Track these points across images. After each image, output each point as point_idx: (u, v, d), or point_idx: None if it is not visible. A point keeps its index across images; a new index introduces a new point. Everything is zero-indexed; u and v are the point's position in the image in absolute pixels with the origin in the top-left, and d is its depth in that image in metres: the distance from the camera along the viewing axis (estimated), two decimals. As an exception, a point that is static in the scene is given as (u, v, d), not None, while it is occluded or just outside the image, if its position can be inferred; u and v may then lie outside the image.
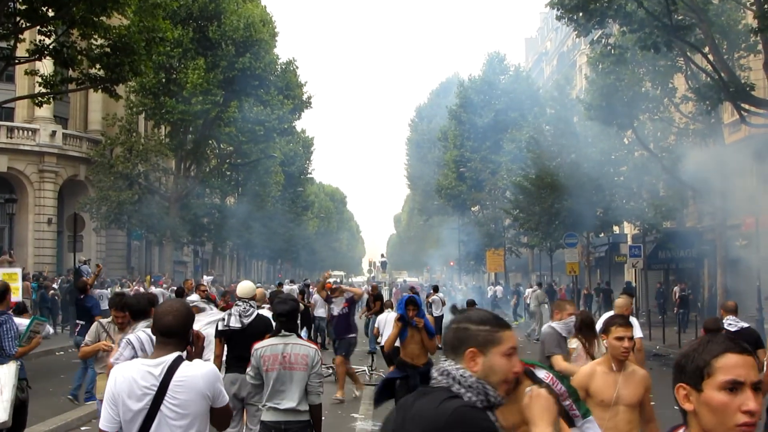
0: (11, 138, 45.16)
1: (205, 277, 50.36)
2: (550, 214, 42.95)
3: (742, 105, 27.09)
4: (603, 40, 27.68)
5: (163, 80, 43.40)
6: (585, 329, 9.40)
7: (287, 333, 7.87)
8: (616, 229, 50.56)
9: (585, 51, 43.76)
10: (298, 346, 7.79)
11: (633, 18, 24.93)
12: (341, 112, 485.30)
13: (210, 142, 49.96)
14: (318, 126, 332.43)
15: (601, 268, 56.19)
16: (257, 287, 12.14)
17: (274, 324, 8.84)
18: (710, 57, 26.20)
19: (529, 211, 46.19)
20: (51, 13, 25.58)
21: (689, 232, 42.44)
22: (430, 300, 31.02)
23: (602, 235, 49.63)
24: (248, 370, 7.99)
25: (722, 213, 34.69)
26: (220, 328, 10.32)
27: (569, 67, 68.64)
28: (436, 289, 33.98)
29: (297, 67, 52.75)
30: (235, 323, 10.16)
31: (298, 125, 74.32)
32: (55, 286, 34.80)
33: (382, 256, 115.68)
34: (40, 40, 26.56)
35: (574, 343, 9.48)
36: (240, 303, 10.42)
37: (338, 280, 38.27)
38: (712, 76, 26.61)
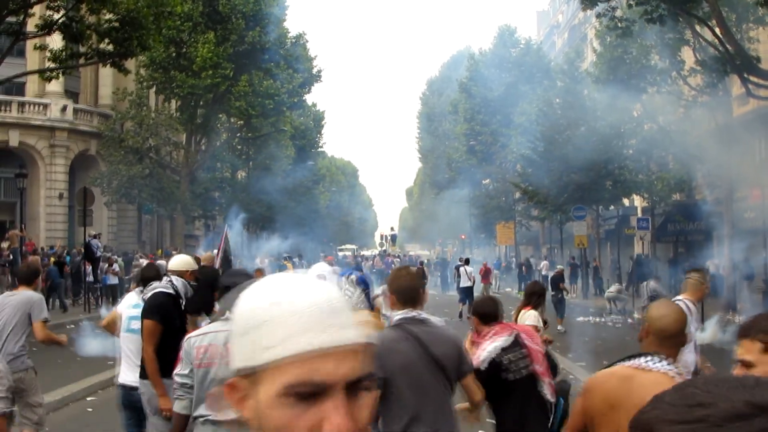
0: (22, 113, 45.39)
1: (215, 251, 50.65)
2: (559, 186, 43.00)
3: (749, 77, 27.12)
4: (609, 13, 27.66)
5: (173, 54, 43.52)
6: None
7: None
8: (625, 201, 50.61)
9: (595, 24, 43.75)
10: None
11: (639, -10, 24.95)
12: (352, 86, 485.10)
13: (220, 116, 50.11)
14: (329, 100, 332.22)
15: (610, 241, 56.29)
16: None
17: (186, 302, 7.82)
18: (717, 30, 26.21)
19: (539, 184, 46.28)
20: (60, -12, 25.73)
21: (698, 204, 42.49)
22: (461, 271, 33.64)
23: (612, 207, 49.69)
24: (177, 367, 5.77)
25: (729, 185, 34.74)
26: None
27: (580, 40, 68.42)
28: (467, 261, 35.60)
29: (307, 41, 52.89)
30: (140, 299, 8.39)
31: (309, 99, 74.29)
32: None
33: (392, 229, 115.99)
34: (49, 15, 26.73)
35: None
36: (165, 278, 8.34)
37: (349, 254, 38.59)
38: (719, 49, 26.63)
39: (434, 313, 8.08)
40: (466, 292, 32.47)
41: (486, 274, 41.52)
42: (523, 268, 52.03)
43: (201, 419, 5.64)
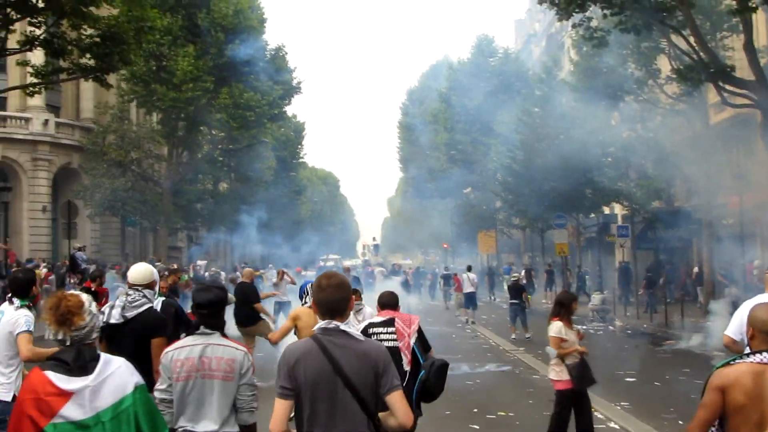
0: (4, 127, 45.52)
1: (198, 261, 50.83)
2: (539, 195, 43.33)
3: (724, 85, 27.51)
4: (585, 23, 27.98)
5: (154, 68, 43.70)
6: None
7: (208, 331, 5.96)
8: (606, 209, 50.99)
9: (572, 33, 44.13)
10: (222, 348, 5.87)
11: (613, 1, 25.26)
12: (332, 97, 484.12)
13: (202, 128, 50.21)
14: (309, 111, 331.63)
15: (591, 249, 56.69)
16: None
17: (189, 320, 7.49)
18: (691, 39, 26.59)
19: (519, 193, 46.63)
20: (41, 4, 25.84)
21: (677, 211, 42.83)
22: (461, 278, 35.73)
23: (592, 215, 50.06)
24: (158, 383, 5.93)
25: (708, 192, 35.09)
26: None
27: (557, 49, 68.89)
28: (469, 268, 37.40)
29: (286, 53, 53.09)
30: (115, 317, 7.78)
31: (289, 110, 74.41)
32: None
33: (374, 239, 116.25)
34: (30, 31, 26.87)
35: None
36: (130, 292, 7.97)
37: (333, 264, 38.75)
38: (693, 58, 27.00)
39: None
40: (469, 298, 34.44)
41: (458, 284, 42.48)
42: (486, 277, 52.95)
43: (180, 430, 5.83)
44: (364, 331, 8.29)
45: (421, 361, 8.63)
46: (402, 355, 8.45)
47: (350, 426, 4.91)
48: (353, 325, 6.91)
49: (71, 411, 4.43)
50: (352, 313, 9.60)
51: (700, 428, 5.13)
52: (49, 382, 4.44)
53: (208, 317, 5.97)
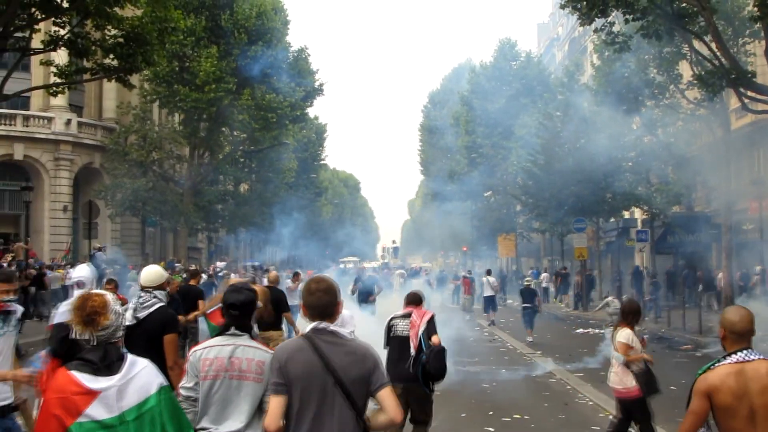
0: (27, 126, 45.85)
1: (218, 263, 51.00)
2: (559, 199, 43.28)
3: (745, 91, 27.45)
4: (606, 28, 27.98)
5: (177, 69, 43.89)
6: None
7: (238, 332, 6.00)
8: (626, 214, 50.89)
9: (594, 38, 44.02)
10: (252, 350, 5.89)
11: (635, 6, 25.25)
12: (354, 99, 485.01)
13: (223, 129, 50.36)
14: (331, 112, 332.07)
15: (611, 253, 56.59)
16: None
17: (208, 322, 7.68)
18: (713, 44, 26.54)
19: (539, 197, 46.57)
20: (65, 5, 26.01)
21: (697, 216, 42.77)
22: (483, 281, 36.72)
23: (612, 220, 49.98)
24: (183, 380, 6.00)
25: (728, 197, 35.03)
26: None
27: (580, 53, 68.78)
28: (488, 272, 38.25)
29: (309, 55, 53.20)
30: (128, 318, 7.87)
31: (311, 112, 74.69)
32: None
33: (394, 242, 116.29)
34: (54, 31, 27.02)
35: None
36: (142, 294, 8.33)
37: (352, 266, 38.81)
38: (715, 63, 26.96)
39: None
40: (489, 301, 35.30)
41: (468, 286, 43.97)
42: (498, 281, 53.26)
43: (202, 431, 5.81)
44: (388, 324, 11.02)
45: (424, 348, 10.54)
46: (410, 341, 10.58)
47: (338, 422, 5.04)
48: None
49: (97, 410, 4.47)
50: None
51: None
52: (75, 381, 4.49)
53: (239, 318, 5.98)
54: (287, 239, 58.01)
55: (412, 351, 10.55)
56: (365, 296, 26.80)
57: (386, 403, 5.10)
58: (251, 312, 6.09)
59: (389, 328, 10.96)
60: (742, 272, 36.59)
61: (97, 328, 4.68)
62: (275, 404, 5.10)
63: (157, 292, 8.32)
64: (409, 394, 10.49)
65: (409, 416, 10.54)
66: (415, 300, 11.14)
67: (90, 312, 4.69)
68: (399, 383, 9.90)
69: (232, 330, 5.98)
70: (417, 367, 10.50)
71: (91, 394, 4.47)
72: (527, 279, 34.62)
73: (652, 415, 10.94)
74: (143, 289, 8.37)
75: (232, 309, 5.99)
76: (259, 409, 5.77)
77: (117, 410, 4.51)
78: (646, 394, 10.78)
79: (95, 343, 4.68)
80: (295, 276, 25.94)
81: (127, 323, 7.59)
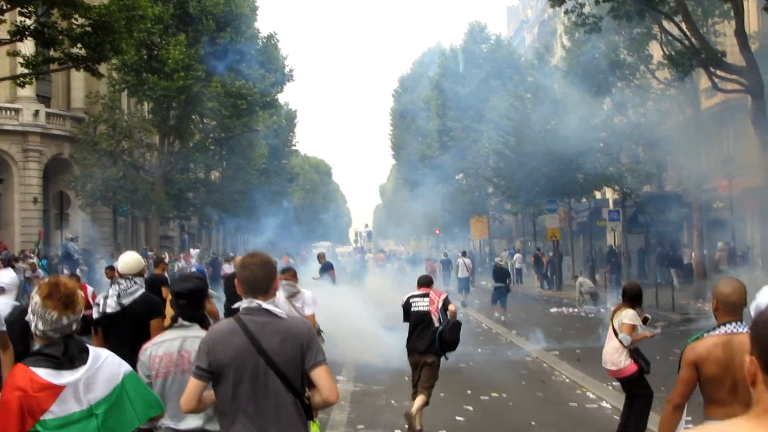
0: (-6, 118, 45.40)
1: (192, 250, 50.84)
2: (531, 180, 43.42)
3: (715, 71, 27.63)
4: (577, 10, 28.04)
5: (145, 57, 43.52)
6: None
7: (186, 323, 5.83)
8: (597, 194, 51.14)
9: (564, 20, 44.13)
10: (199, 341, 5.30)
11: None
12: (324, 84, 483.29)
13: (193, 117, 50.10)
14: (301, 98, 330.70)
15: (583, 233, 56.90)
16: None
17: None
18: (683, 25, 26.69)
19: (511, 178, 46.70)
20: (31, -6, 25.79)
21: (668, 195, 43.03)
22: (457, 263, 37.82)
23: (584, 200, 50.21)
24: None
25: (699, 176, 35.28)
26: (95, 315, 8.14)
27: (549, 35, 68.95)
28: (464, 254, 39.21)
29: (278, 41, 53.05)
30: (112, 306, 8.01)
31: (281, 98, 74.44)
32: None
33: (367, 226, 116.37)
34: (20, 21, 26.77)
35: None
36: (121, 281, 8.21)
37: (325, 252, 38.72)
38: (685, 44, 27.10)
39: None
40: (464, 282, 36.32)
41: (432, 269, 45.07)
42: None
43: (163, 427, 5.68)
44: (406, 302, 12.42)
45: (442, 321, 12.01)
46: (431, 316, 12.04)
47: (275, 405, 4.84)
48: (284, 307, 7.60)
49: (63, 406, 4.30)
50: (283, 295, 10.10)
51: (680, 398, 5.77)
52: (36, 377, 4.29)
53: (187, 308, 5.84)
54: (265, 226, 58.09)
55: (435, 323, 12.03)
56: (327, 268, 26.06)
57: (320, 383, 4.84)
58: (200, 301, 5.95)
59: (408, 305, 12.35)
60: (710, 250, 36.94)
61: (76, 311, 4.47)
62: (192, 386, 4.91)
63: (137, 279, 8.22)
64: (423, 363, 11.96)
65: (415, 381, 12.15)
66: (427, 282, 12.79)
67: (66, 293, 4.47)
68: (418, 353, 12.01)
69: (180, 321, 5.86)
70: (433, 340, 11.97)
71: (55, 390, 4.29)
72: (498, 258, 34.92)
73: (651, 392, 10.85)
74: (122, 276, 8.25)
75: (180, 298, 5.86)
76: None
77: (86, 403, 4.36)
78: (647, 369, 10.77)
79: (75, 328, 4.49)
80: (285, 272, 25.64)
81: (110, 311, 7.91)
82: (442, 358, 12.23)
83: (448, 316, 12.10)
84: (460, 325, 12.24)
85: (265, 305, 4.95)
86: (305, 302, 10.82)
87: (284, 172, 77.08)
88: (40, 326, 4.43)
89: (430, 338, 11.93)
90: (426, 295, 12.31)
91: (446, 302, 12.24)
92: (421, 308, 12.18)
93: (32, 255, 33.70)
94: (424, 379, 11.93)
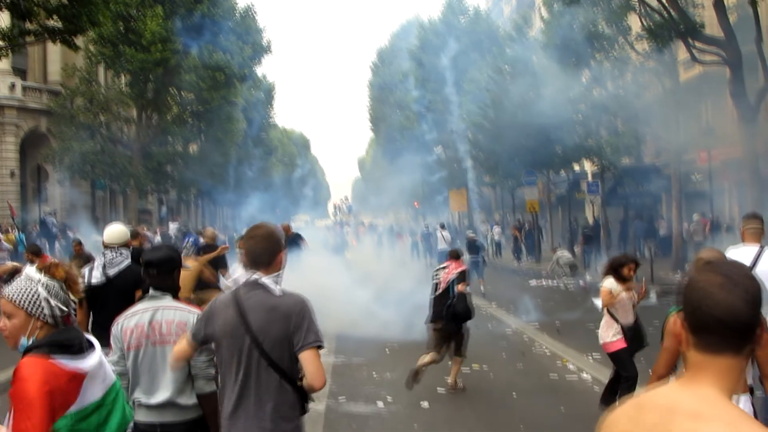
0: (-30, 92, 44.99)
1: (170, 224, 50.72)
2: (509, 152, 43.45)
3: (694, 43, 27.68)
4: (555, -19, 28.00)
5: (122, 29, 43.21)
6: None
7: (158, 293, 5.72)
8: (576, 166, 51.22)
9: (542, -9, 44.12)
10: (172, 311, 5.63)
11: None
12: (302, 57, 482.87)
13: (171, 90, 49.85)
14: (279, 71, 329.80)
15: (562, 206, 57.06)
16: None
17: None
18: (661, -5, 26.70)
19: (489, 150, 46.73)
20: (6, -35, 25.48)
21: (647, 168, 43.19)
22: (438, 235, 37.88)
23: (562, 172, 50.28)
24: (110, 354, 5.57)
25: (677, 148, 35.40)
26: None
27: (528, 7, 68.83)
28: (442, 226, 39.50)
29: (255, 13, 52.80)
30: (97, 278, 7.97)
31: (259, 71, 74.11)
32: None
33: (347, 199, 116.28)
34: (-5, -7, 26.49)
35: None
36: (107, 252, 8.18)
37: (304, 225, 38.70)
38: (663, 15, 27.12)
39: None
40: (443, 255, 34.86)
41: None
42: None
43: (136, 402, 5.55)
44: (433, 273, 13.77)
45: (452, 293, 12.91)
46: (446, 286, 13.08)
47: (258, 385, 4.72)
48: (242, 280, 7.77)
49: (90, 393, 3.96)
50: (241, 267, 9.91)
51: (664, 369, 5.91)
52: (62, 368, 3.86)
53: (158, 278, 5.69)
54: (243, 199, 58.03)
55: (451, 293, 12.99)
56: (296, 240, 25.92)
57: (305, 368, 4.65)
58: (171, 270, 5.79)
59: (432, 277, 13.61)
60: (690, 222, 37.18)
61: (77, 291, 4.14)
62: (180, 344, 5.01)
63: (122, 250, 8.14)
64: (449, 332, 13.04)
65: (452, 350, 13.24)
66: (454, 255, 13.90)
67: (72, 276, 4.14)
68: (437, 322, 13.05)
69: (152, 292, 5.71)
70: (444, 309, 12.91)
71: (80, 378, 3.92)
72: (470, 231, 35.13)
73: (634, 374, 10.69)
74: (107, 247, 8.18)
75: (150, 267, 5.72)
76: (190, 375, 5.52)
77: (104, 389, 4.09)
78: (630, 348, 10.67)
79: (61, 321, 4.03)
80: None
81: (96, 282, 7.85)
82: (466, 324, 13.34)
83: (458, 290, 12.96)
84: (465, 296, 13.03)
85: (263, 279, 4.84)
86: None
87: (262, 145, 76.90)
88: (59, 310, 4.04)
89: (442, 306, 12.97)
90: (445, 268, 13.43)
91: (460, 276, 13.15)
92: (437, 280, 13.34)
93: (12, 229, 33.65)
94: (455, 347, 13.24)
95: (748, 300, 2.31)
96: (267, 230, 5.02)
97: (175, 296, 5.76)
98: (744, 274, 2.35)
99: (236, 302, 4.79)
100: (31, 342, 3.96)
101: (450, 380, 13.22)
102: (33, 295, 3.99)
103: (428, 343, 13.20)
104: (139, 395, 5.53)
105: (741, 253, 7.96)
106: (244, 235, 5.12)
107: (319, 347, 4.74)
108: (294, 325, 4.68)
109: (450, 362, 13.42)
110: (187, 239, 13.15)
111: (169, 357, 5.34)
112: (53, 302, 4.01)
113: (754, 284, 2.36)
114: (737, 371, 2.35)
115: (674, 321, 5.78)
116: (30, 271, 4.10)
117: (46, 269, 4.09)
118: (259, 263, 4.87)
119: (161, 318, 5.53)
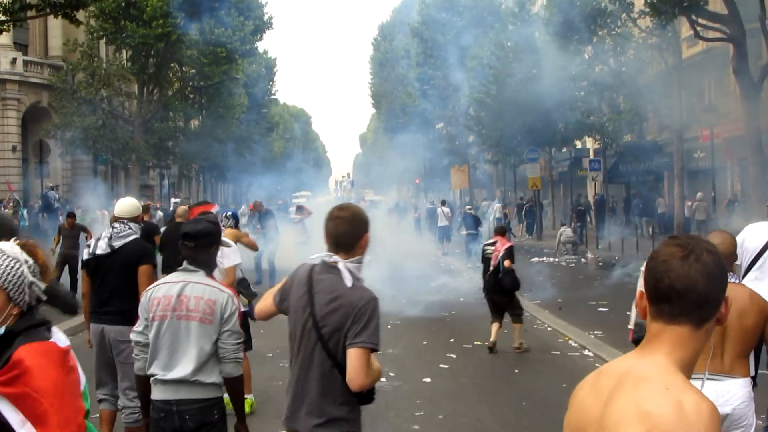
0: (-29, 66, 44.88)
1: (172, 199, 50.73)
2: (511, 129, 43.36)
3: (697, 19, 27.58)
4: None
5: (123, 4, 43.07)
6: None
7: (191, 267, 5.48)
8: (578, 143, 51.16)
9: (545, -34, 43.90)
10: (202, 287, 5.39)
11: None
12: (304, 32, 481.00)
13: (172, 65, 49.79)
14: (281, 47, 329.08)
15: (564, 183, 57.04)
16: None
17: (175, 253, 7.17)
18: (664, -29, 26.55)
19: (491, 127, 46.62)
20: (7, -61, 25.37)
21: (649, 145, 43.09)
22: (438, 211, 38.19)
23: (564, 150, 50.21)
24: (136, 324, 5.54)
25: (679, 126, 35.34)
26: (84, 257, 8.06)
27: (530, -17, 68.50)
28: (443, 203, 39.80)
29: (257, -13, 52.67)
30: (102, 248, 7.79)
31: (260, 46, 73.93)
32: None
33: (349, 175, 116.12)
34: (-3, -33, 26.38)
35: None
36: (116, 224, 7.98)
37: (305, 201, 38.62)
38: (666, -9, 26.99)
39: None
40: (444, 231, 36.81)
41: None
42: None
43: (152, 378, 5.39)
44: (483, 249, 15.09)
45: (501, 269, 14.02)
46: (491, 260, 14.30)
47: (317, 368, 4.57)
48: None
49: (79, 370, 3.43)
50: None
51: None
52: (60, 347, 3.31)
53: (194, 251, 5.46)
54: (244, 176, 57.97)
55: (501, 268, 14.06)
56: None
57: (348, 363, 4.44)
58: (209, 245, 5.57)
59: (483, 251, 14.93)
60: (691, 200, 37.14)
61: (48, 279, 3.47)
62: (265, 299, 4.90)
63: (131, 224, 8.00)
64: (501, 301, 14.30)
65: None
66: (499, 231, 15.34)
67: (43, 258, 3.49)
68: (488, 293, 14.45)
69: (185, 265, 5.48)
70: (495, 282, 14.15)
71: (71, 353, 3.36)
72: (468, 206, 35.20)
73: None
74: (117, 219, 8.07)
75: (187, 239, 5.50)
76: (213, 355, 5.33)
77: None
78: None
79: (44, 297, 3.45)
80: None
81: (100, 252, 7.74)
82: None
83: (505, 265, 14.06)
84: (512, 271, 14.13)
85: (340, 264, 4.60)
86: (224, 254, 10.07)
87: (264, 121, 76.83)
88: (39, 289, 3.38)
89: (494, 279, 14.18)
90: (494, 244, 14.65)
91: (507, 253, 14.17)
92: (488, 255, 14.54)
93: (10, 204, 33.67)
94: (511, 312, 14.37)
95: (705, 273, 2.36)
96: (352, 212, 4.80)
97: (209, 273, 5.56)
98: (705, 249, 2.40)
99: (309, 281, 4.66)
100: (2, 330, 3.26)
101: (515, 343, 14.17)
102: (18, 278, 3.31)
103: (492, 312, 14.51)
104: (156, 370, 5.35)
105: (762, 228, 7.96)
106: (327, 215, 4.81)
107: (373, 350, 4.53)
108: (353, 319, 4.49)
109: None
110: (225, 212, 13.02)
111: (193, 333, 5.27)
112: (36, 288, 3.39)
113: (715, 259, 2.41)
114: (694, 345, 2.41)
115: (639, 294, 5.77)
116: (8, 246, 3.38)
117: (28, 249, 3.44)
118: (340, 246, 4.66)
119: (190, 293, 5.34)
